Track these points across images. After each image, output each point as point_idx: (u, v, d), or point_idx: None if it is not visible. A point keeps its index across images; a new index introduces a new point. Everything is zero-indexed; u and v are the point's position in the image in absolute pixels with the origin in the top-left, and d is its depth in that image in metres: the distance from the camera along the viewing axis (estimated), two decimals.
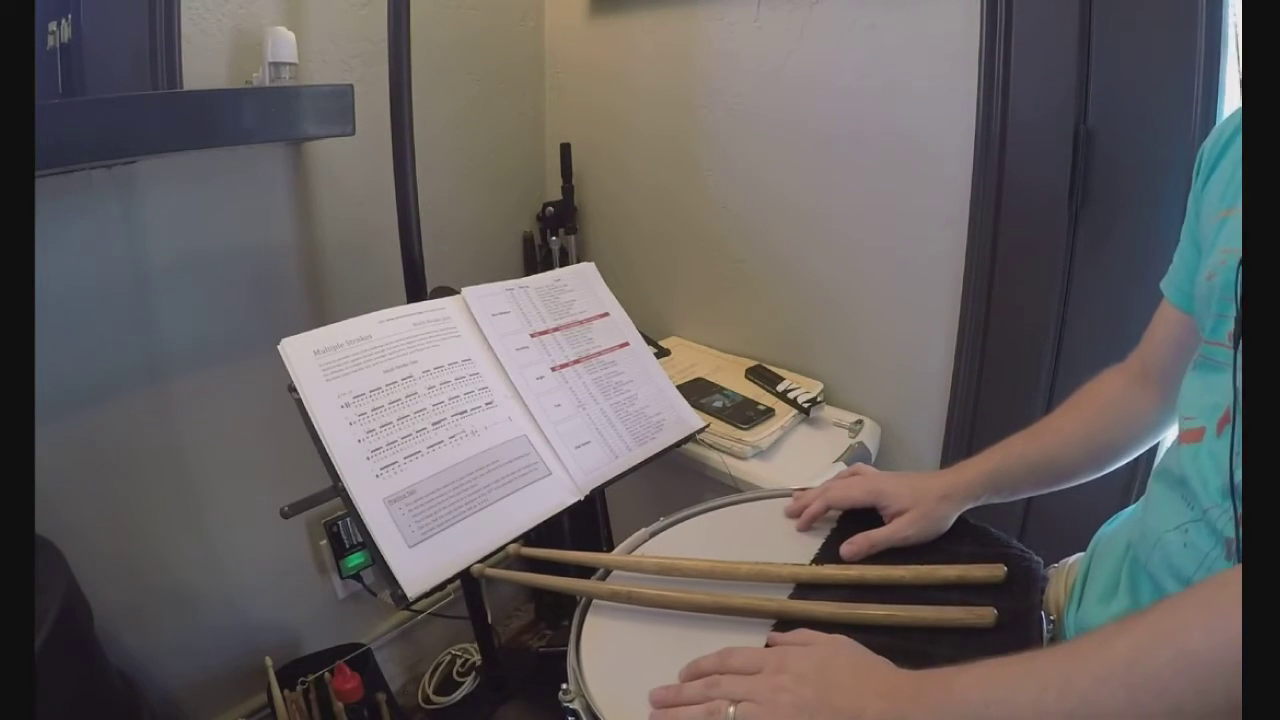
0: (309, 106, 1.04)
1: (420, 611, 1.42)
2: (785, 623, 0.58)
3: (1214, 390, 0.50)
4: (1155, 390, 0.67)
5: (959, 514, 0.69)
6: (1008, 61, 0.94)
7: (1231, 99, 0.82)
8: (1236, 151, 0.53)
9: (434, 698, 1.45)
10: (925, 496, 0.68)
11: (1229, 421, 0.47)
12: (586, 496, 0.87)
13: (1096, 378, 0.73)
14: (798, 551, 0.68)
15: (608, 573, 0.69)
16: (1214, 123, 0.81)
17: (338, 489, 0.75)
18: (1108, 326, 0.96)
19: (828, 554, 0.68)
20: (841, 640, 0.51)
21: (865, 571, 0.63)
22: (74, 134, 0.80)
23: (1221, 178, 0.54)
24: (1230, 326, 0.48)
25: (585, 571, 0.70)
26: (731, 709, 0.47)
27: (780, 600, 0.61)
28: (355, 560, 1.34)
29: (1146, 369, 0.68)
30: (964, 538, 0.68)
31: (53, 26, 0.85)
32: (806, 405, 1.17)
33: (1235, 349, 0.47)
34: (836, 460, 1.09)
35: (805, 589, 0.63)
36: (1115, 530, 0.65)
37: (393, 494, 0.76)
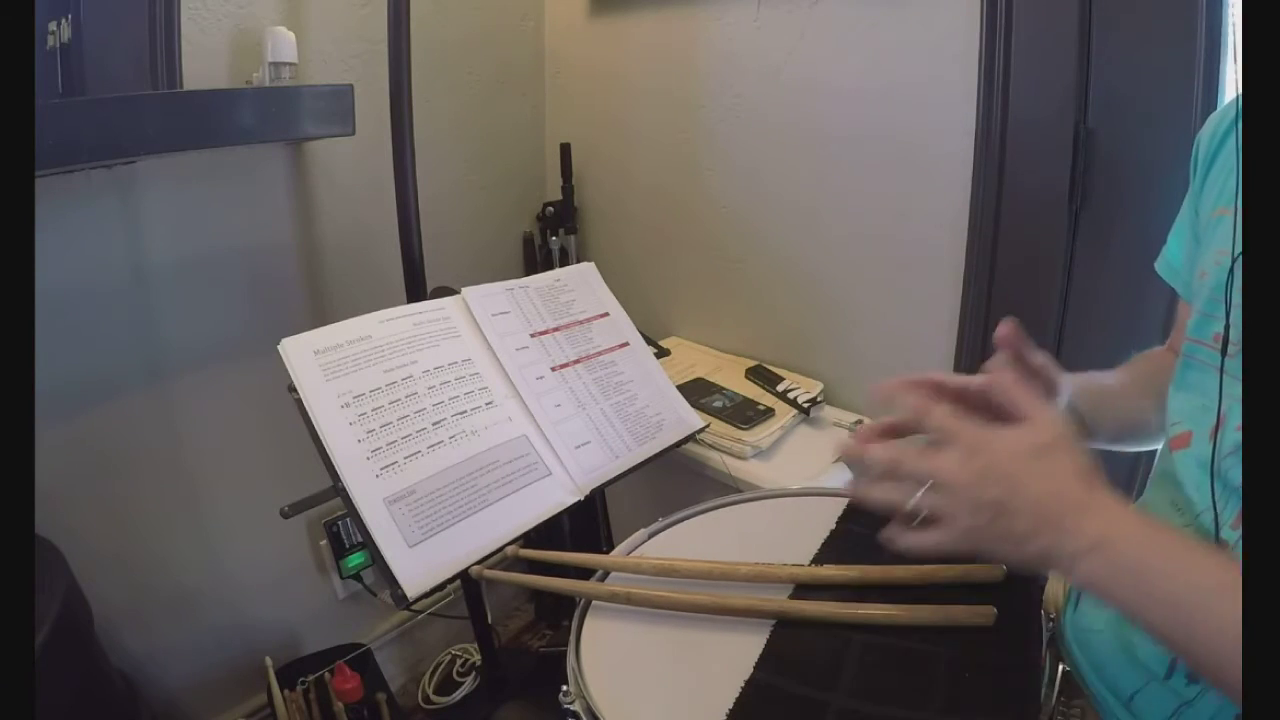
0: (309, 106, 1.04)
1: (420, 611, 1.42)
2: (785, 623, 0.58)
3: (1200, 392, 0.50)
4: None
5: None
6: (1008, 61, 0.94)
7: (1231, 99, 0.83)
8: (1232, 147, 0.53)
9: (434, 698, 1.45)
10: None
11: (1221, 428, 0.47)
12: (586, 496, 0.87)
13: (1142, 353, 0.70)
14: (797, 552, 0.68)
15: (607, 574, 0.68)
16: None
17: (338, 489, 0.75)
18: (1107, 326, 0.96)
19: (827, 554, 0.68)
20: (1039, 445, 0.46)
21: (865, 571, 0.63)
22: (74, 134, 0.80)
23: (1219, 173, 0.54)
24: (1216, 328, 0.48)
25: (584, 573, 0.69)
26: (920, 493, 0.46)
27: (780, 600, 0.61)
28: (355, 560, 1.34)
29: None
30: None
31: (53, 26, 0.85)
32: (806, 405, 1.17)
33: (1222, 353, 0.47)
34: (836, 460, 1.09)
35: (805, 589, 0.63)
36: None
37: (393, 494, 0.76)
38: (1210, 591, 0.37)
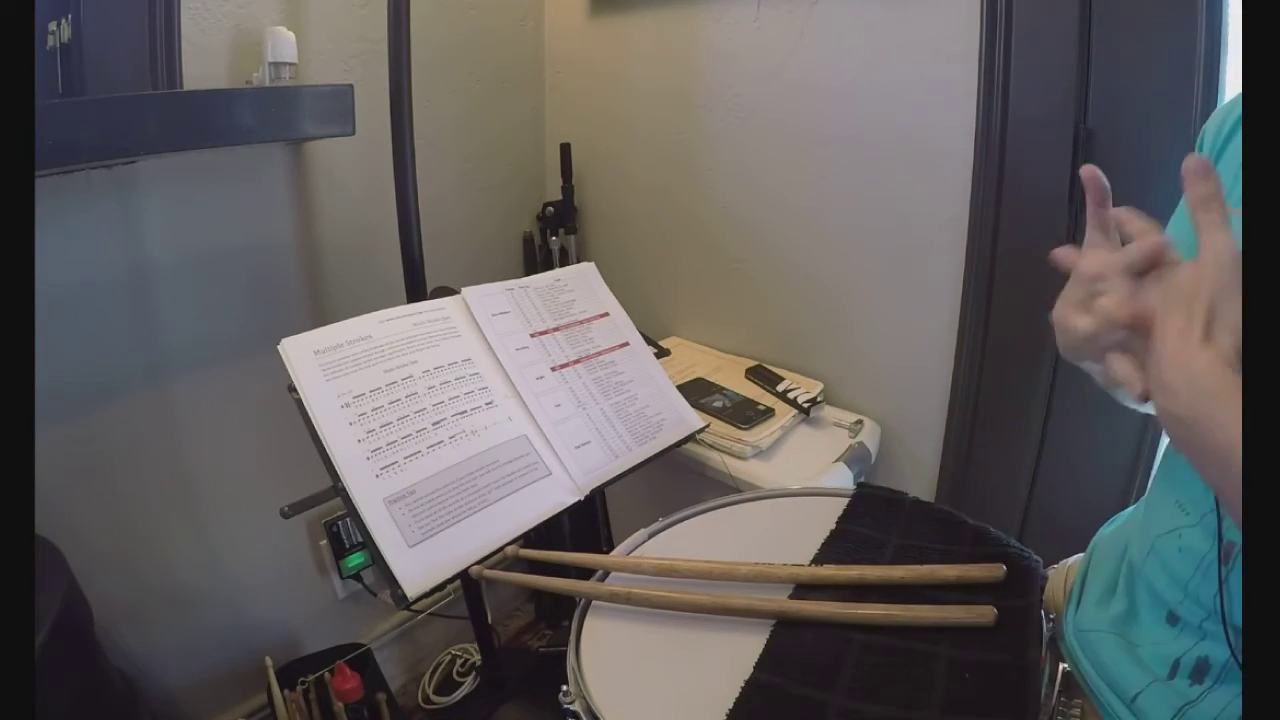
0: (309, 106, 1.04)
1: (420, 611, 1.42)
2: (785, 623, 0.58)
3: None
4: None
5: None
6: (1008, 61, 0.94)
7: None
8: (1239, 144, 0.52)
9: (434, 698, 1.45)
10: None
11: None
12: (586, 496, 0.87)
13: None
14: (797, 552, 0.68)
15: (607, 574, 0.69)
16: None
17: (338, 489, 0.75)
18: None
19: (827, 554, 0.68)
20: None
21: (865, 572, 0.63)
22: (74, 134, 0.80)
23: (1225, 171, 0.53)
24: None
25: (584, 573, 0.70)
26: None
27: (780, 600, 0.61)
28: (355, 560, 1.34)
29: None
30: (963, 537, 0.68)
31: (53, 26, 0.85)
32: (806, 405, 1.17)
33: None
34: (836, 460, 1.09)
35: (805, 589, 0.63)
36: (1114, 532, 0.65)
37: (393, 494, 0.76)
38: None
